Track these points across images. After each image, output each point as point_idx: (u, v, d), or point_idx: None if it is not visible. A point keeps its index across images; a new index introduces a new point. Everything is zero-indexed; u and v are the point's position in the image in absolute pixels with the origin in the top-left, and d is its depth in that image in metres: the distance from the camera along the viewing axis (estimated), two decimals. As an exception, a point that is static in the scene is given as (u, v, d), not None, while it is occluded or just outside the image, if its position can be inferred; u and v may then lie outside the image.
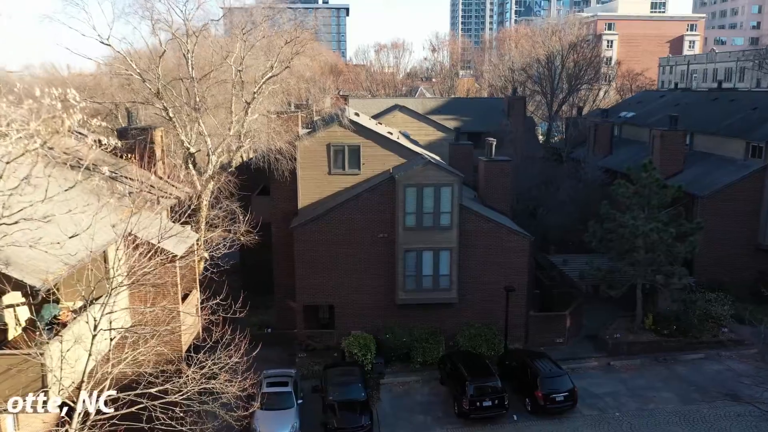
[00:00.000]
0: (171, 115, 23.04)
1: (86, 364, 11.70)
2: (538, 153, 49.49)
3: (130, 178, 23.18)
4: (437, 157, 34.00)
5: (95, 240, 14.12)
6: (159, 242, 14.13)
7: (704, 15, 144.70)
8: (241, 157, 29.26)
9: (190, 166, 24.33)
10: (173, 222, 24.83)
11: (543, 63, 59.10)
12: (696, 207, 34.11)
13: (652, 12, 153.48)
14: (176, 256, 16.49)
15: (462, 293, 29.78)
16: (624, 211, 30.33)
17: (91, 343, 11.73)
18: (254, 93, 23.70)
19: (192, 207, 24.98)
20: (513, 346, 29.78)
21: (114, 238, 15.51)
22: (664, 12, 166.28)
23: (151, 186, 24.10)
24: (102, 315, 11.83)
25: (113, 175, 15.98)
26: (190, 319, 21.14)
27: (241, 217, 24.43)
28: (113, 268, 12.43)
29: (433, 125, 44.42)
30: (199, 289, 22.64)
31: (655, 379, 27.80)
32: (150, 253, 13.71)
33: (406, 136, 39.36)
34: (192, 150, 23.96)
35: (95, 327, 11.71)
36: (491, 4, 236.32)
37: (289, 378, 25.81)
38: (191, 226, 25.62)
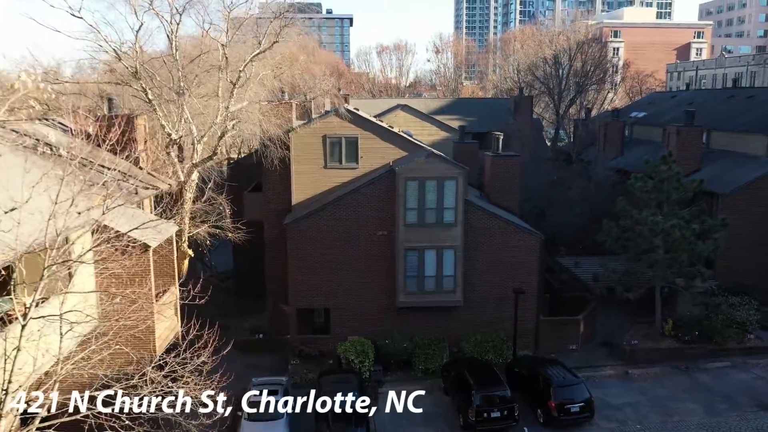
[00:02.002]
0: (150, 97, 21.15)
1: (13, 362, 9.70)
2: (546, 154, 47.60)
3: (102, 165, 21.33)
4: (441, 154, 32.04)
5: (55, 221, 12.19)
6: (103, 213, 12.12)
7: (711, 23, 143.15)
8: (235, 148, 27.34)
9: (173, 154, 22.42)
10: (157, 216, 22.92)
11: (550, 63, 57.23)
12: (717, 205, 31.98)
13: (657, 20, 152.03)
14: (122, 234, 14.47)
15: (467, 296, 27.71)
16: (641, 208, 28.28)
17: (20, 336, 9.73)
18: (240, 71, 21.84)
19: (174, 198, 23.15)
20: (522, 353, 27.66)
21: (82, 224, 13.66)
22: (669, 21, 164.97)
23: (127, 174, 22.23)
24: (33, 302, 9.84)
25: (60, 147, 14.00)
26: (166, 319, 19.13)
27: (228, 211, 22.42)
28: (48, 247, 10.44)
29: (437, 125, 42.54)
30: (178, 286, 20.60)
31: (677, 388, 25.59)
32: (99, 232, 11.73)
33: (409, 135, 37.48)
34: (174, 136, 22.06)
35: (25, 316, 9.71)
36: (495, 10, 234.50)
37: (280, 386, 23.70)
38: (174, 220, 23.74)
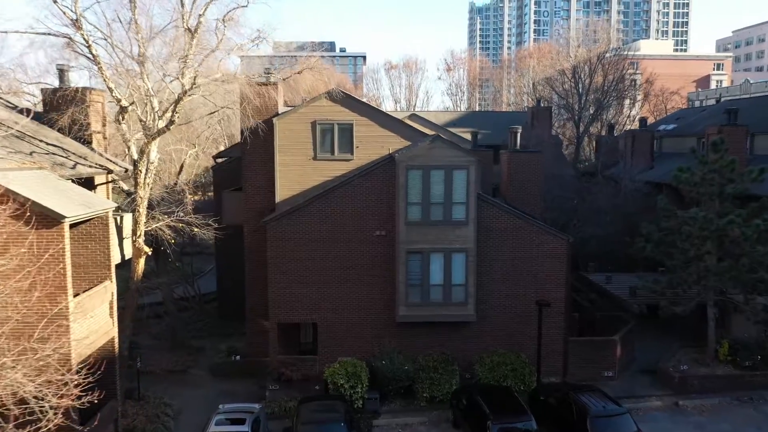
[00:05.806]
0: (94, 52, 17.45)
1: None
2: (567, 171, 43.51)
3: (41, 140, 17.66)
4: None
5: None
6: None
7: (730, 54, 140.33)
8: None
9: (124, 126, 18.56)
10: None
11: (569, 75, 53.54)
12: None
13: (675, 53, 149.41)
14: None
15: (481, 309, 23.27)
16: (686, 208, 23.94)
17: None
18: (200, 15, 18.11)
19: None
20: (547, 380, 23.00)
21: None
22: (687, 53, 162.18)
23: (68, 150, 18.44)
24: None
25: None
26: (93, 319, 14.84)
27: (189, 198, 18.40)
28: None
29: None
30: (114, 281, 16.39)
31: (742, 422, 20.76)
32: None
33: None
34: (124, 103, 18.25)
35: None
36: (509, 23, 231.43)
37: (249, 415, 19.17)
38: (134, 213, 19.77)
